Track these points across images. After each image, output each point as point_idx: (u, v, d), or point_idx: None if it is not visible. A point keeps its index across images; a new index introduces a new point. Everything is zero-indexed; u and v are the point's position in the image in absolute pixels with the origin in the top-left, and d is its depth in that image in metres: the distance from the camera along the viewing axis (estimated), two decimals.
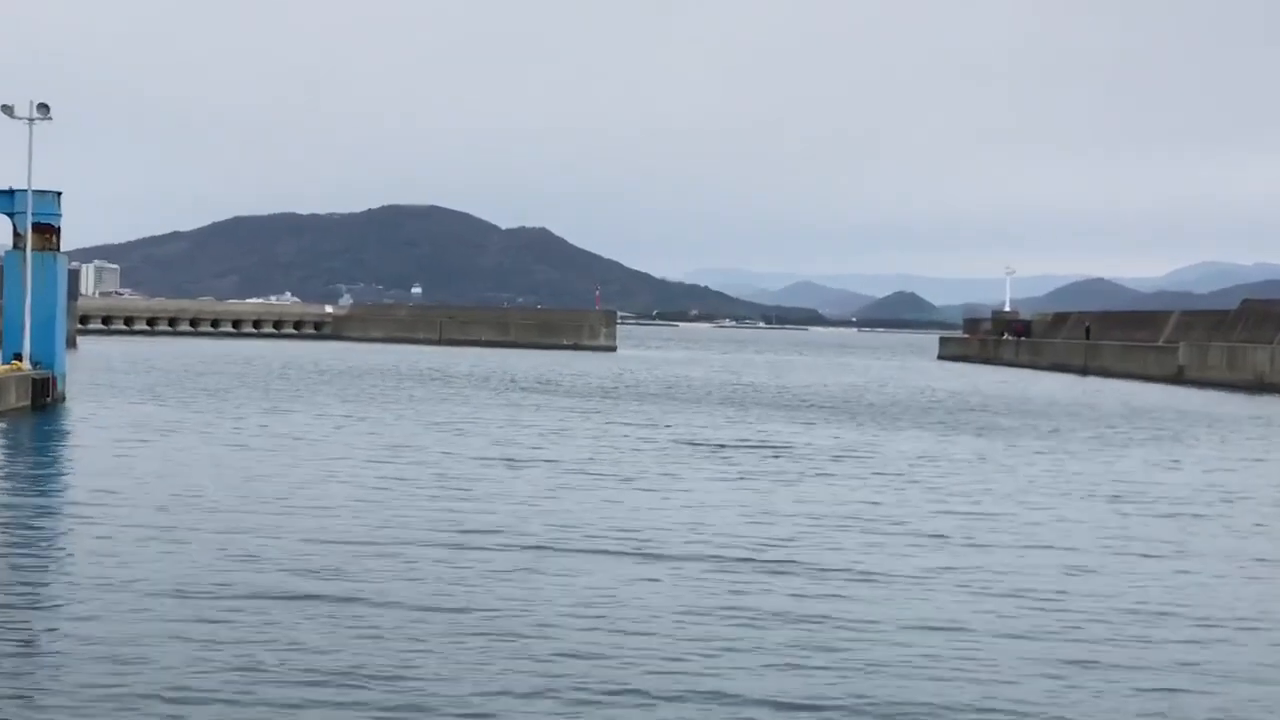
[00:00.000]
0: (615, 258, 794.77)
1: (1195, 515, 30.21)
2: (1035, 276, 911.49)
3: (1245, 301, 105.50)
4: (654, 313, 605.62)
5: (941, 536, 26.07)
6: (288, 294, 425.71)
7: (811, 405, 66.95)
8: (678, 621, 18.35)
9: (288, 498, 28.74)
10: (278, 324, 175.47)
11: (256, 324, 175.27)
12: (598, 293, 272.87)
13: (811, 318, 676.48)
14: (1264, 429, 56.95)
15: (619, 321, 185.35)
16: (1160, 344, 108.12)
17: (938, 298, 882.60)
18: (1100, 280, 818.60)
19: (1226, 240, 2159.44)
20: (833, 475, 35.92)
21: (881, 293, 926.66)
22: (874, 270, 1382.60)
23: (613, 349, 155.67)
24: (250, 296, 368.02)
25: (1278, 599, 21.37)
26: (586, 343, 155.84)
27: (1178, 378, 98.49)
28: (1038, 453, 44.04)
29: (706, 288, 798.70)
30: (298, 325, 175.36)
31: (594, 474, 34.75)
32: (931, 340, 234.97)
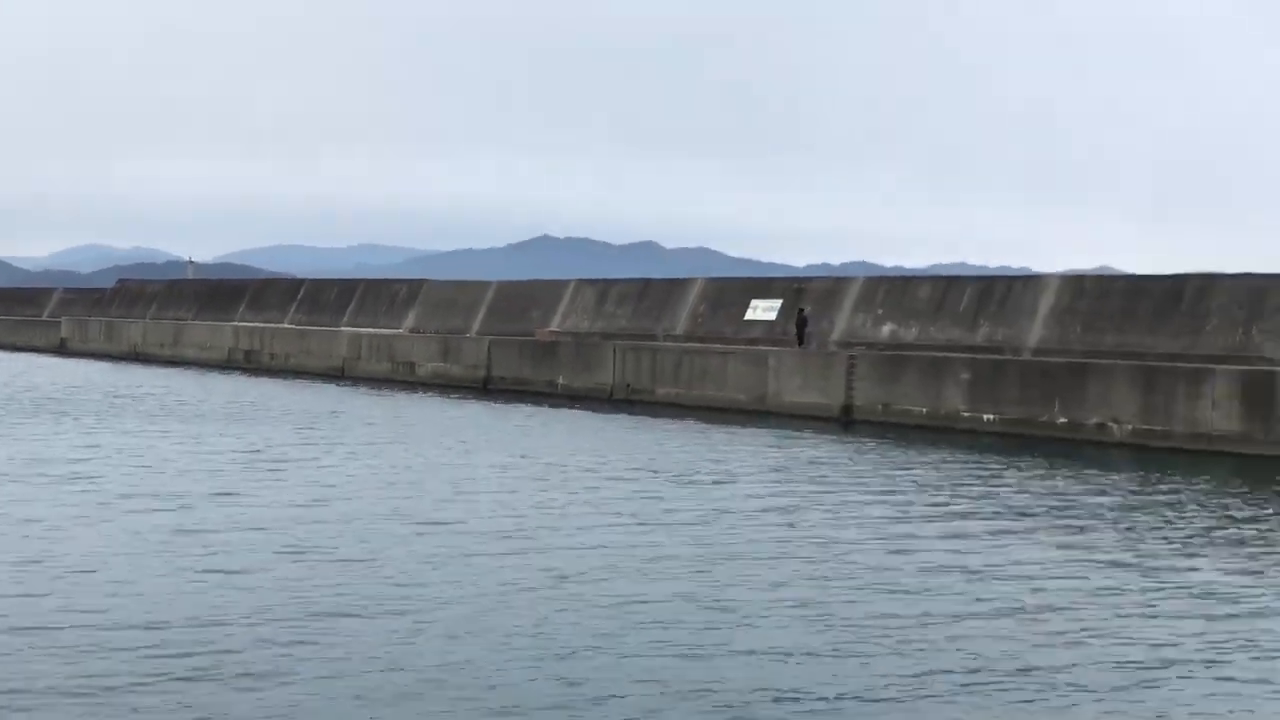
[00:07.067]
0: None
1: None
2: None
3: (121, 281, 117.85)
4: None
5: None
6: None
7: None
8: None
9: None
10: None
11: None
12: None
13: None
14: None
15: None
16: (45, 318, 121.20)
17: None
18: None
19: (106, 225, 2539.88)
20: None
21: None
22: None
23: None
24: None
25: None
26: None
27: (61, 349, 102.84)
28: None
29: None
30: None
31: None
32: None
